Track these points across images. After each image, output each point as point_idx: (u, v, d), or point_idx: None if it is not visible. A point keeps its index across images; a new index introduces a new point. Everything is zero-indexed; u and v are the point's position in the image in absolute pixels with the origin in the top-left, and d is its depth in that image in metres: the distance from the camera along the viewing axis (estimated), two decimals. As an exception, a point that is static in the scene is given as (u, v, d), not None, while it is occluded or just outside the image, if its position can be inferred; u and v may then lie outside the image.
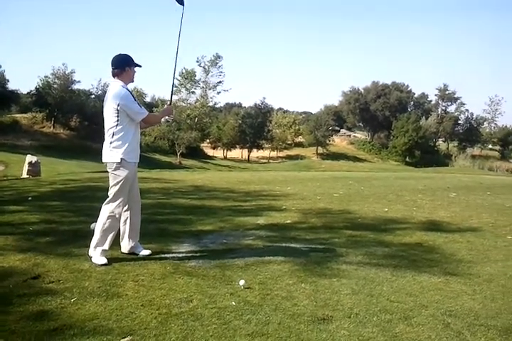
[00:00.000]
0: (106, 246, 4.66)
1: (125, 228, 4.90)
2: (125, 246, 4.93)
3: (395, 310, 3.77)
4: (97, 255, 4.62)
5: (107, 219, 4.66)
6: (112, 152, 4.61)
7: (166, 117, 4.95)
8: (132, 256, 4.89)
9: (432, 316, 3.70)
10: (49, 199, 8.43)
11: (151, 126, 5.29)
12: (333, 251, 5.52)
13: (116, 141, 4.59)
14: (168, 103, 5.24)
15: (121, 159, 4.58)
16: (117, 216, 4.68)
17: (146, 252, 4.93)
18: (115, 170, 4.62)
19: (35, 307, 3.53)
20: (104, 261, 4.57)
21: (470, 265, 5.23)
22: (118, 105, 4.50)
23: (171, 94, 5.22)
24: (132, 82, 4.79)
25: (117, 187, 4.63)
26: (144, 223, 5.22)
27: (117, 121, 4.54)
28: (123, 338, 3.09)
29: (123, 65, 4.67)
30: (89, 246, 4.74)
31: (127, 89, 4.63)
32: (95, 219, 5.91)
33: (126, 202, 4.75)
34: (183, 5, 4.91)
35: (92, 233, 4.86)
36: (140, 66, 4.79)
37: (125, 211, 4.88)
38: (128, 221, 4.89)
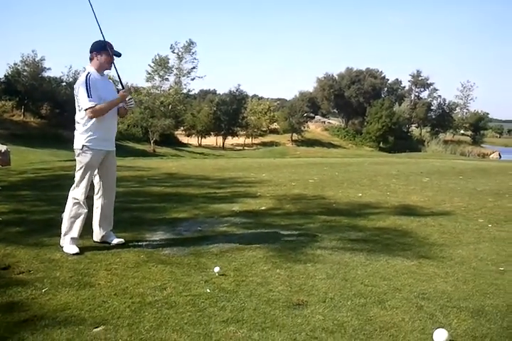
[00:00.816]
0: (74, 234, 4.57)
1: (97, 216, 4.83)
2: (96, 234, 4.86)
3: (369, 294, 3.80)
4: (67, 243, 4.54)
5: (72, 205, 4.61)
6: (76, 138, 4.58)
7: (123, 104, 4.72)
8: (105, 245, 4.82)
9: (406, 299, 3.74)
10: (19, 188, 8.27)
11: (125, 116, 5.05)
12: (308, 236, 5.53)
13: (79, 127, 4.55)
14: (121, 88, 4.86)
15: (83, 145, 4.52)
16: (81, 202, 4.59)
17: (117, 241, 4.86)
18: (78, 156, 4.59)
19: (5, 298, 3.46)
20: (76, 250, 4.49)
21: (442, 248, 5.30)
22: (76, 90, 4.51)
23: (119, 79, 4.76)
24: (106, 69, 4.64)
25: (79, 173, 4.59)
26: (117, 211, 5.14)
27: (79, 107, 4.50)
28: (95, 328, 3.04)
29: (91, 51, 4.57)
30: (60, 236, 4.66)
31: (88, 76, 4.46)
32: (67, 208, 5.85)
33: (90, 189, 4.67)
34: None
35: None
36: (116, 55, 4.62)
37: (98, 199, 4.82)
38: (99, 209, 4.82)
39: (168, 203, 7.13)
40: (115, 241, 4.85)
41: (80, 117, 4.53)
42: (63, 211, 5.76)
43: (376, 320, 3.34)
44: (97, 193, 4.82)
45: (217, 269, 4.09)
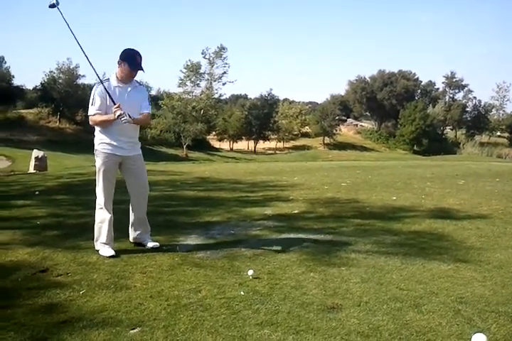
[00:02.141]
0: (103, 239, 4.64)
1: (130, 218, 4.95)
2: (130, 235, 4.99)
3: (404, 298, 3.75)
4: (100, 247, 4.65)
5: (97, 211, 4.72)
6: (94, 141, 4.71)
7: (120, 119, 4.41)
8: (141, 248, 4.89)
9: (443, 303, 3.67)
10: (56, 193, 8.45)
11: (143, 124, 4.92)
12: (342, 240, 5.49)
13: (95, 131, 4.69)
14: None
15: (96, 149, 4.65)
16: (103, 206, 4.67)
17: (152, 244, 4.91)
18: (95, 159, 4.70)
19: (44, 300, 3.54)
20: (111, 252, 4.56)
21: (480, 252, 5.19)
22: None
23: (107, 93, 4.50)
24: (128, 79, 4.58)
25: (96, 177, 4.71)
26: (151, 215, 5.21)
27: None
28: (132, 329, 3.09)
29: (119, 58, 4.58)
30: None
31: (106, 80, 4.55)
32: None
33: (110, 193, 4.72)
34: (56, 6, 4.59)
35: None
36: (139, 69, 4.57)
37: (131, 202, 4.92)
38: (131, 212, 4.93)
39: (201, 207, 7.18)
40: (150, 244, 4.90)
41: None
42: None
43: (412, 324, 3.29)
44: (130, 197, 4.92)
45: (251, 272, 4.10)
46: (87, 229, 5.54)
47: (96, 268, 4.26)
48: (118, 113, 4.40)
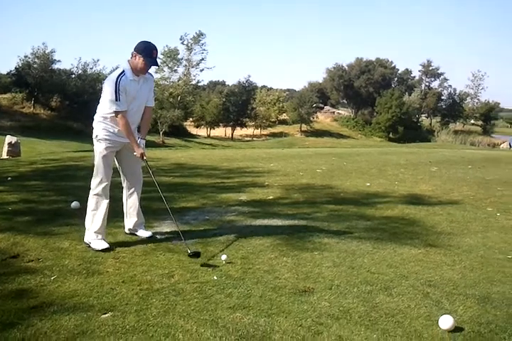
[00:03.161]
0: (96, 227, 4.45)
1: (124, 207, 4.86)
2: (126, 225, 4.89)
3: (375, 281, 3.81)
4: (93, 239, 4.43)
5: (91, 198, 4.54)
6: (94, 127, 4.55)
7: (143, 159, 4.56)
8: (113, 233, 4.86)
9: (412, 286, 3.75)
10: (29, 179, 8.32)
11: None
12: (315, 225, 5.54)
13: (98, 117, 4.51)
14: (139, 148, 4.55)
15: (97, 135, 4.50)
16: (100, 193, 4.51)
17: (145, 234, 4.84)
18: (94, 144, 4.56)
19: (15, 285, 3.50)
20: (104, 245, 4.38)
21: (450, 236, 5.30)
22: (105, 83, 4.41)
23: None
24: (142, 73, 4.43)
25: (95, 162, 4.55)
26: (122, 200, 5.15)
27: (102, 97, 4.45)
28: (103, 314, 3.08)
29: (135, 49, 4.39)
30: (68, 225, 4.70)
31: (120, 77, 4.29)
32: (75, 198, 5.91)
33: (107, 180, 4.53)
34: None
35: (72, 211, 4.79)
36: (154, 64, 4.49)
37: (124, 190, 4.83)
38: (125, 200, 4.83)
39: (177, 193, 7.15)
40: (141, 233, 4.83)
41: (102, 108, 4.46)
42: (72, 201, 5.85)
43: (382, 306, 3.36)
44: (123, 185, 4.82)
45: (224, 257, 4.12)
46: (60, 215, 5.52)
47: (68, 253, 4.23)
48: (141, 155, 4.51)
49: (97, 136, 4.50)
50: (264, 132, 67.38)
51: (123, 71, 4.35)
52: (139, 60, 4.36)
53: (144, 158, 4.55)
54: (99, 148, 4.50)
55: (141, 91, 4.52)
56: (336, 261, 4.28)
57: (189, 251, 4.16)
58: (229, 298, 3.39)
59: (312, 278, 3.85)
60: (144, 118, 4.72)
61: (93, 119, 4.56)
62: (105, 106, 4.42)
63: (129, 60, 4.43)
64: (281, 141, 55.64)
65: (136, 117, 4.61)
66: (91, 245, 4.41)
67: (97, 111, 4.55)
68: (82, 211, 4.60)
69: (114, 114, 4.38)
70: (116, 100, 4.29)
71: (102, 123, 4.48)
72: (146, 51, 4.38)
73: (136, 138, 4.52)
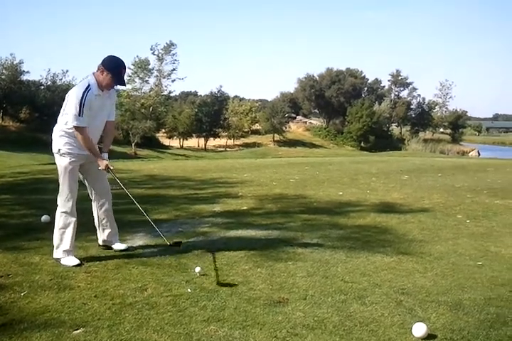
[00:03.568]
0: (66, 246, 4.34)
1: (95, 221, 4.75)
2: (100, 238, 4.79)
3: (349, 290, 3.83)
4: (63, 256, 4.33)
5: (59, 216, 4.41)
6: (53, 141, 4.43)
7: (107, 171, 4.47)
8: (85, 247, 4.79)
9: (385, 294, 3.78)
10: (-3, 192, 8.16)
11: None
12: (289, 235, 5.56)
13: (58, 131, 4.40)
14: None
15: (59, 149, 4.38)
16: (69, 211, 4.39)
17: (121, 246, 4.76)
18: (56, 159, 4.44)
19: (-17, 302, 3.42)
20: (75, 261, 4.27)
21: (422, 244, 5.37)
22: (68, 96, 4.32)
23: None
24: (106, 88, 4.35)
25: (60, 178, 4.42)
26: (92, 213, 5.08)
27: (66, 113, 4.32)
28: (75, 330, 3.02)
29: (102, 63, 4.30)
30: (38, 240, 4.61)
31: (87, 92, 4.19)
32: (46, 211, 5.81)
33: (74, 195, 4.43)
34: None
35: (43, 225, 4.69)
36: (122, 84, 4.42)
37: (93, 203, 4.72)
38: (95, 213, 4.72)
39: (149, 205, 7.08)
40: (116, 246, 4.75)
41: (64, 122, 4.34)
42: (42, 215, 5.75)
43: (356, 315, 3.37)
44: (91, 197, 4.72)
45: (198, 269, 4.09)
46: (31, 229, 5.42)
47: (38, 268, 4.14)
48: (106, 167, 4.41)
49: (59, 151, 4.38)
50: (238, 142, 67.48)
51: (89, 85, 4.25)
52: (107, 77, 4.28)
53: (111, 168, 4.45)
54: (63, 163, 4.38)
55: (105, 106, 4.46)
56: (309, 270, 4.29)
57: (169, 243, 4.13)
58: (203, 311, 3.37)
59: (286, 288, 3.85)
60: (106, 133, 4.63)
61: (52, 131, 4.44)
62: (67, 120, 4.31)
63: (94, 73, 4.34)
64: (254, 151, 55.74)
65: (97, 133, 4.54)
66: (61, 262, 4.30)
67: (57, 123, 4.42)
68: (52, 225, 4.50)
69: (75, 133, 4.28)
70: (79, 115, 4.19)
71: (65, 137, 4.36)
72: (115, 70, 4.30)
73: (97, 151, 4.42)
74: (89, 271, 4.12)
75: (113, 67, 4.30)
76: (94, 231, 4.83)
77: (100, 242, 4.81)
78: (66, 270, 4.12)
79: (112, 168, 4.48)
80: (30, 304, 3.41)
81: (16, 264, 4.22)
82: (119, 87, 4.47)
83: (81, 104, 4.18)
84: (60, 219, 4.40)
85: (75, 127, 4.23)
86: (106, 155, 4.56)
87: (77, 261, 4.28)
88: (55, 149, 4.41)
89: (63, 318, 3.19)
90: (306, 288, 3.87)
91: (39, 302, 3.45)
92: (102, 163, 4.40)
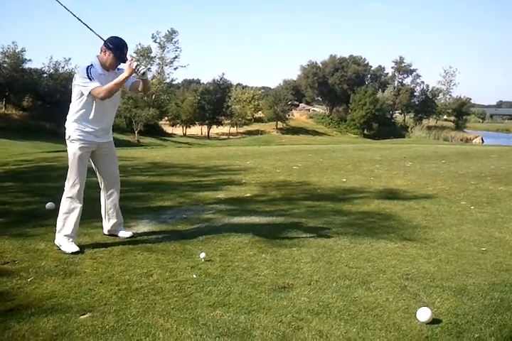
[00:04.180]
0: (68, 231, 4.35)
1: (102, 209, 4.76)
2: (105, 227, 4.80)
3: (353, 276, 3.85)
4: (63, 242, 4.34)
5: (65, 200, 4.42)
6: (66, 128, 4.43)
7: (138, 70, 4.27)
8: (91, 233, 4.81)
9: (390, 280, 3.79)
10: (1, 180, 8.17)
11: (145, 92, 4.69)
12: (293, 221, 5.57)
13: (69, 117, 4.40)
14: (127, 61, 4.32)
15: (69, 136, 4.39)
16: (74, 196, 4.39)
17: (126, 234, 4.77)
18: (67, 146, 4.45)
19: (-10, 288, 3.44)
20: (75, 248, 4.27)
21: (426, 230, 5.38)
22: (74, 79, 4.32)
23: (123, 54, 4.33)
24: (111, 68, 4.34)
25: (69, 164, 4.43)
26: (100, 201, 5.10)
27: (77, 96, 4.32)
28: (82, 315, 3.05)
29: (104, 43, 4.29)
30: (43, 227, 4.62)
31: (89, 68, 4.20)
32: (50, 198, 5.83)
33: (81, 181, 4.40)
34: None
35: (47, 212, 4.71)
36: (122, 61, 4.34)
37: (101, 191, 4.72)
38: (103, 202, 4.73)
39: (153, 192, 7.11)
40: (122, 234, 4.76)
41: (74, 109, 4.35)
42: (46, 202, 5.77)
43: (361, 300, 3.39)
44: (100, 186, 4.72)
45: (203, 255, 4.11)
46: (35, 216, 5.44)
47: (44, 255, 4.17)
48: (134, 64, 4.23)
49: (69, 137, 4.39)
50: (240, 130, 67.40)
51: (91, 65, 4.27)
52: (109, 56, 4.29)
53: (138, 68, 4.25)
54: (73, 149, 4.39)
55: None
56: (314, 256, 4.31)
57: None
58: (208, 296, 3.39)
59: (291, 274, 3.87)
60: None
61: (66, 119, 4.45)
62: (77, 107, 4.32)
63: (98, 56, 4.35)
64: (257, 139, 55.66)
65: (109, 118, 4.53)
66: (61, 248, 4.32)
67: (69, 111, 4.43)
68: (57, 212, 4.51)
69: (88, 115, 4.29)
70: (91, 80, 4.16)
71: (75, 123, 4.37)
72: (117, 49, 4.30)
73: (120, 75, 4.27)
74: (94, 257, 4.14)
75: (115, 46, 4.30)
76: (99, 218, 4.84)
77: (105, 231, 4.82)
78: (72, 256, 4.14)
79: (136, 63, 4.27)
80: (37, 289, 3.43)
81: (22, 251, 4.25)
82: (123, 65, 4.41)
83: (88, 74, 4.19)
84: (64, 204, 4.42)
85: (93, 90, 4.18)
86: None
87: (77, 248, 4.27)
88: (66, 135, 4.42)
89: (70, 303, 3.21)
90: (311, 273, 3.88)
91: (45, 287, 3.47)
92: (129, 68, 4.23)
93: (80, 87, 4.25)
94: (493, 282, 3.81)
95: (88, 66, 4.25)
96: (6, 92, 48.10)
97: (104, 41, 4.29)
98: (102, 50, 4.33)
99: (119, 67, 4.46)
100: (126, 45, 4.44)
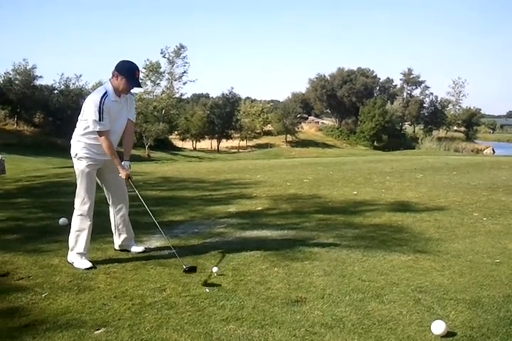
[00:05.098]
0: (80, 249, 4.37)
1: (112, 224, 4.79)
2: (116, 242, 4.83)
3: (366, 289, 3.83)
4: (76, 259, 4.36)
5: (75, 219, 4.46)
6: (72, 146, 4.47)
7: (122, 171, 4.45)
8: (103, 248, 4.84)
9: (403, 293, 3.77)
10: (15, 196, 8.26)
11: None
12: (305, 234, 5.57)
13: (77, 136, 4.45)
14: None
15: (76, 153, 4.42)
16: (84, 214, 4.42)
17: (138, 249, 4.80)
18: (74, 163, 4.48)
19: (5, 304, 3.48)
20: (88, 264, 4.31)
21: (438, 242, 5.35)
22: (86, 102, 4.35)
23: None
24: (124, 93, 4.41)
25: (77, 181, 4.46)
26: (109, 217, 5.13)
27: (85, 120, 4.36)
28: (97, 330, 3.07)
29: (116, 69, 4.36)
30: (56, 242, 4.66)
31: (104, 99, 4.24)
32: (63, 214, 5.88)
33: (91, 198, 4.45)
34: None
35: (60, 228, 4.75)
36: (138, 86, 4.46)
37: (110, 207, 4.76)
38: (112, 217, 4.76)
39: (164, 206, 7.15)
40: (134, 249, 4.79)
41: (82, 128, 4.39)
42: (59, 217, 5.82)
43: (374, 314, 3.38)
44: (109, 202, 4.75)
45: (215, 269, 4.12)
46: (48, 232, 5.49)
47: (58, 270, 4.20)
48: (126, 177, 4.48)
49: (76, 155, 4.43)
50: (250, 143, 67.55)
51: (106, 92, 4.30)
52: (121, 81, 4.33)
53: (131, 179, 4.52)
54: (81, 167, 4.42)
55: (122, 111, 4.49)
56: (326, 269, 4.30)
57: (184, 267, 4.13)
58: (222, 310, 3.39)
59: (304, 287, 3.87)
60: (126, 133, 4.62)
61: (72, 136, 4.50)
62: (85, 126, 4.35)
63: (110, 80, 4.40)
64: (267, 152, 55.74)
65: (116, 137, 4.57)
66: (74, 264, 4.35)
67: (76, 129, 4.48)
68: (69, 227, 4.56)
69: (95, 135, 4.32)
70: (100, 120, 4.23)
71: (82, 143, 4.41)
72: (129, 73, 4.35)
73: (119, 159, 4.44)
74: (108, 272, 4.17)
75: (126, 70, 4.35)
76: (111, 233, 4.87)
77: (116, 247, 4.84)
78: (85, 271, 4.17)
79: (132, 179, 4.54)
80: (52, 305, 3.46)
81: (36, 266, 4.28)
82: (135, 89, 4.49)
83: (100, 110, 4.23)
84: (76, 222, 4.45)
85: (98, 132, 4.28)
86: (127, 163, 4.56)
87: (90, 264, 4.31)
88: (72, 153, 4.46)
89: (84, 319, 3.23)
90: (324, 287, 3.87)
91: (60, 303, 3.50)
92: (123, 173, 4.45)
93: (89, 120, 4.28)
94: (507, 294, 3.77)
95: (102, 96, 4.27)
96: (18, 109, 48.66)
97: (116, 68, 4.36)
98: (113, 75, 4.37)
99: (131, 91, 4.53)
100: (138, 68, 4.53)
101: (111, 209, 4.77)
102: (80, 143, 4.43)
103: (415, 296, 3.71)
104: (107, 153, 4.36)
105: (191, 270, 4.12)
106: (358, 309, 3.45)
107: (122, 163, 4.49)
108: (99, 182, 4.65)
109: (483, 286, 3.95)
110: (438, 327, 3.06)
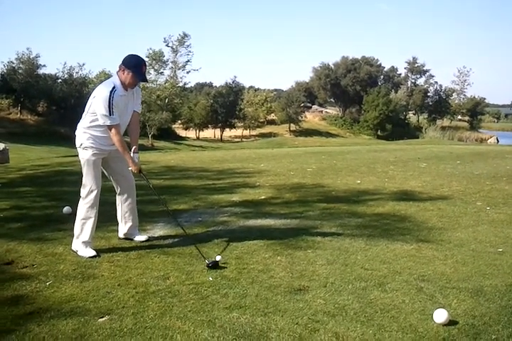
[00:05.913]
0: (85, 237, 4.40)
1: (118, 213, 4.81)
2: (120, 231, 4.85)
3: (369, 278, 3.85)
4: (81, 247, 4.39)
5: (81, 207, 4.48)
6: (77, 136, 4.48)
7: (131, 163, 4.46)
8: (107, 237, 4.86)
9: (406, 282, 3.79)
10: (19, 185, 8.29)
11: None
12: (308, 223, 5.58)
13: (82, 127, 4.46)
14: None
15: (81, 143, 4.44)
16: (91, 203, 4.44)
17: (141, 238, 4.82)
18: (79, 153, 4.49)
19: (10, 292, 3.50)
20: (92, 252, 4.33)
21: (441, 231, 5.35)
22: (94, 97, 4.34)
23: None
24: (130, 87, 4.42)
25: (83, 171, 4.48)
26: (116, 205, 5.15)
27: (92, 113, 4.37)
28: (101, 318, 3.09)
29: (122, 63, 4.37)
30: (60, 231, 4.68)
31: (112, 93, 4.23)
32: (67, 203, 5.91)
33: (97, 187, 4.47)
34: None
35: (64, 217, 4.75)
36: (144, 80, 4.50)
37: (117, 196, 4.78)
38: (119, 206, 4.78)
39: (168, 195, 7.15)
40: (137, 238, 4.81)
41: (88, 121, 4.40)
42: (63, 206, 5.84)
43: (377, 302, 3.39)
44: (116, 190, 4.77)
45: (218, 258, 4.14)
46: (52, 220, 5.51)
47: (62, 258, 4.22)
48: (137, 171, 4.51)
49: (81, 145, 4.44)
50: (254, 133, 67.43)
51: (114, 87, 4.30)
52: (128, 76, 4.34)
53: (142, 173, 4.53)
54: (86, 156, 4.44)
55: (129, 104, 4.51)
56: (329, 258, 4.31)
57: (207, 262, 4.06)
58: (225, 299, 3.41)
59: (307, 276, 3.88)
60: (131, 125, 4.62)
61: (76, 128, 4.51)
62: (92, 119, 4.37)
63: (117, 73, 4.40)
64: (270, 141, 55.60)
65: (122, 129, 4.56)
66: (78, 253, 4.37)
67: (81, 121, 4.48)
68: (74, 216, 4.58)
69: (102, 127, 4.34)
70: (110, 115, 4.25)
71: (87, 134, 4.43)
72: (136, 67, 4.36)
73: (129, 153, 4.45)
74: (112, 260, 4.19)
75: (133, 64, 4.37)
76: (116, 222, 4.89)
77: (121, 235, 4.86)
78: (89, 260, 4.19)
79: (144, 172, 4.56)
80: (56, 293, 3.48)
81: (41, 255, 4.31)
82: (141, 83, 4.49)
83: (110, 104, 4.23)
84: (82, 210, 4.47)
85: (109, 126, 4.30)
86: (137, 156, 4.53)
87: (94, 253, 4.33)
88: (77, 144, 4.48)
89: (88, 306, 3.26)
90: (326, 275, 3.89)
91: (64, 291, 3.52)
92: (134, 168, 4.47)
93: (98, 114, 4.29)
94: (510, 283, 3.78)
95: (112, 89, 4.27)
96: (21, 98, 48.62)
97: (122, 62, 4.37)
98: (120, 69, 4.38)
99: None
100: (145, 62, 4.55)
101: (118, 198, 4.80)
102: (85, 134, 4.45)
103: (418, 285, 3.72)
104: (117, 148, 4.37)
105: (214, 265, 4.03)
106: (360, 297, 3.46)
107: (132, 155, 4.47)
108: (105, 172, 4.67)
109: (485, 275, 3.96)
110: (440, 315, 3.08)
